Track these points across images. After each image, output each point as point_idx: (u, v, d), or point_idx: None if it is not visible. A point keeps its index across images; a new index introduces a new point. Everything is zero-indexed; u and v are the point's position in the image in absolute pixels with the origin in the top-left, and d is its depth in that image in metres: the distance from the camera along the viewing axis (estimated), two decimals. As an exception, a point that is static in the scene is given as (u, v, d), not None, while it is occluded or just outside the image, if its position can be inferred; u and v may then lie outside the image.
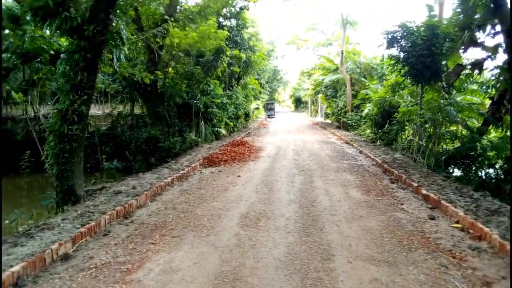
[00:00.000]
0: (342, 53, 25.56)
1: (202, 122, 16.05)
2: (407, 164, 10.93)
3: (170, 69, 16.52)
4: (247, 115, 25.56)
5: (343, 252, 4.52)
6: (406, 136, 15.66)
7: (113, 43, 9.05)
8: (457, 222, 5.66)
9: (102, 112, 19.35)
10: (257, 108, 44.47)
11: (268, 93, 48.28)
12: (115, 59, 9.94)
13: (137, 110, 18.59)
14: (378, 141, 16.29)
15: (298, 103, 68.53)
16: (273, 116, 37.93)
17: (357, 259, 4.33)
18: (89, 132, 18.47)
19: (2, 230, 6.26)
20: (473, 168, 12.30)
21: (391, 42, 13.24)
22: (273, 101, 43.65)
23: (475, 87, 15.38)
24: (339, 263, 4.22)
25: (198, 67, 15.62)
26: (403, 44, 13.15)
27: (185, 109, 17.12)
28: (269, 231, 5.24)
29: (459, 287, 3.66)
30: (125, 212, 6.20)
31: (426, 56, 12.33)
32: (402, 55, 12.99)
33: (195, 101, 15.91)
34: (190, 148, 15.21)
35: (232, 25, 21.81)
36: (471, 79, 14.61)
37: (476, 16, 13.18)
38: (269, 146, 15.78)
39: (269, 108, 39.01)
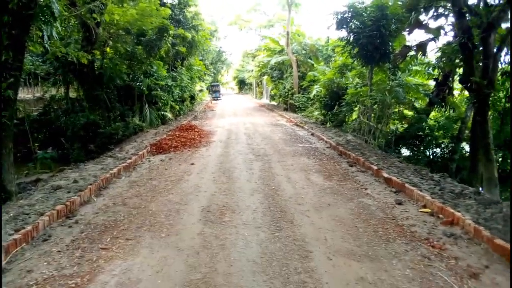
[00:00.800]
0: (288, 34, 25.31)
1: (147, 105, 15.02)
2: (360, 146, 10.92)
3: (108, 48, 15.20)
4: (192, 98, 24.60)
5: (320, 248, 4.17)
6: (355, 117, 15.83)
7: (43, 18, 7.93)
8: (424, 207, 5.55)
9: (32, 96, 17.46)
10: (201, 90, 43.31)
11: (212, 75, 47.14)
12: (45, 37, 8.72)
13: (72, 94, 17.01)
14: (328, 123, 16.32)
15: (242, 84, 68.03)
16: (218, 98, 37.13)
17: (337, 255, 3.99)
18: (18, 118, 16.72)
19: (2, 230, 5.36)
20: (421, 148, 12.68)
21: (341, 23, 13.09)
22: (218, 83, 42.71)
23: (418, 68, 15.84)
24: (319, 261, 3.85)
25: (140, 47, 14.48)
26: (353, 26, 13.05)
27: (126, 92, 15.91)
28: (237, 227, 4.75)
29: (448, 281, 3.44)
30: (67, 211, 5.38)
31: (375, 37, 12.32)
32: (352, 36, 12.87)
33: (137, 83, 14.78)
34: (135, 134, 14.20)
35: (174, 3, 20.58)
36: (416, 61, 14.98)
37: (420, -1, 13.38)
38: (219, 130, 15.18)
39: (214, 90, 38.12)
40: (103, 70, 14.43)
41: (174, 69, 21.39)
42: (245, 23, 46.95)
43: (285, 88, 25.83)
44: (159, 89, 16.05)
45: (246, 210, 5.37)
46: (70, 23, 14.07)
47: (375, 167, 7.80)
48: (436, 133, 12.33)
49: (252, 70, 48.72)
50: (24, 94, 16.70)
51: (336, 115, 16.31)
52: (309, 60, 25.30)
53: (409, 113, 14.37)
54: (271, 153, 9.90)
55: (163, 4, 17.60)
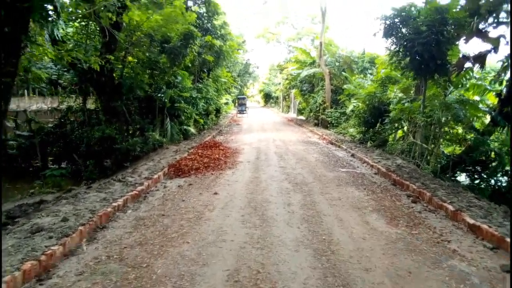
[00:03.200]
0: (321, 44, 23.68)
1: (168, 119, 13.65)
2: (416, 172, 9.09)
3: (130, 57, 14.01)
4: (218, 111, 23.23)
5: None
6: (400, 137, 13.95)
7: (43, 13, 6.63)
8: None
9: (48, 107, 16.47)
10: (227, 103, 42.11)
11: (239, 87, 46.00)
12: (48, 37, 7.45)
13: (90, 105, 15.88)
14: (368, 142, 14.49)
15: (268, 98, 66.67)
16: (244, 112, 35.69)
17: None
18: (31, 130, 15.65)
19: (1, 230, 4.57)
20: (484, 176, 10.70)
21: (389, 29, 11.39)
22: (245, 96, 41.35)
23: (474, 82, 13.88)
24: None
25: (163, 55, 13.19)
26: (404, 32, 11.35)
27: (148, 104, 14.65)
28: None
29: None
30: (40, 270, 3.87)
31: (432, 45, 10.57)
32: (403, 43, 11.14)
33: (159, 95, 13.45)
34: (153, 150, 12.82)
35: (201, 12, 19.42)
36: (472, 74, 13.06)
37: (481, 1, 11.61)
38: (246, 148, 13.60)
39: (240, 104, 36.71)
40: (123, 79, 13.23)
41: (200, 80, 20.11)
42: (272, 36, 45.95)
43: (316, 102, 24.11)
44: (182, 101, 14.68)
45: (292, 283, 3.67)
46: (89, 28, 13.01)
47: (451, 207, 5.99)
48: (504, 158, 10.32)
49: (280, 83, 47.38)
50: (39, 104, 15.70)
51: (377, 134, 14.48)
52: (342, 73, 23.57)
53: (469, 133, 12.37)
54: (310, 181, 8.19)
55: (187, 8, 16.41)
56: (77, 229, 4.77)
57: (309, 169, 9.52)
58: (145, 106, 14.82)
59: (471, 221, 5.36)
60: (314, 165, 10.13)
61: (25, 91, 22.17)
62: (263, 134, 19.15)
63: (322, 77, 24.33)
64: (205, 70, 20.44)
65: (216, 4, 19.76)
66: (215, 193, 7.11)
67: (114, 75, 13.18)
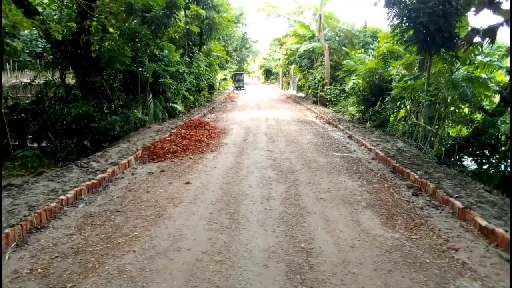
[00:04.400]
0: (320, 17, 22.28)
1: (151, 96, 12.60)
2: (418, 157, 8.16)
3: (111, 29, 12.86)
4: (211, 87, 22.06)
5: None
6: (402, 117, 12.95)
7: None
8: None
9: (21, 81, 15.36)
10: (225, 79, 40.79)
11: (236, 62, 44.53)
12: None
13: (71, 80, 14.81)
14: (368, 122, 13.49)
15: (268, 74, 65.11)
16: (242, 88, 34.45)
17: None
18: (8, 107, 14.62)
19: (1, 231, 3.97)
20: (493, 161, 9.76)
21: (392, -2, 10.27)
22: (242, 72, 39.95)
23: (481, 59, 12.81)
24: None
25: (145, 25, 12.02)
26: (408, 1, 10.24)
27: (133, 80, 13.60)
28: None
29: None
30: None
31: (439, 16, 9.49)
32: (408, 14, 10.02)
33: (140, 69, 12.38)
34: (135, 129, 11.88)
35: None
36: (481, 50, 11.96)
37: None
38: (236, 128, 12.64)
39: (237, 80, 35.40)
40: (101, 52, 12.14)
41: (191, 54, 18.93)
42: (273, 9, 44.15)
43: (315, 78, 22.92)
44: (168, 76, 13.60)
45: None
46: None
47: (458, 203, 5.07)
48: (517, 142, 9.34)
49: (279, 59, 45.91)
50: (13, 78, 14.66)
51: (378, 113, 13.46)
52: (343, 48, 22.31)
53: (477, 114, 11.35)
54: (298, 168, 7.26)
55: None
56: (3, 233, 3.89)
57: (299, 153, 8.58)
58: (130, 82, 13.79)
59: (483, 223, 4.45)
60: (306, 149, 9.19)
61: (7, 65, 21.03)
62: (257, 112, 18.14)
63: (322, 52, 23.08)
64: (196, 44, 19.23)
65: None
66: (187, 183, 6.20)
67: (92, 48, 12.11)
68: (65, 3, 12.05)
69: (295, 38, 28.92)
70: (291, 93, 34.50)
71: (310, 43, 24.75)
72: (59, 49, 11.57)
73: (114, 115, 12.67)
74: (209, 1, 17.77)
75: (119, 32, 12.51)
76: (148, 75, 12.39)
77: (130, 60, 12.87)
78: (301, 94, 30.58)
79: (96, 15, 11.66)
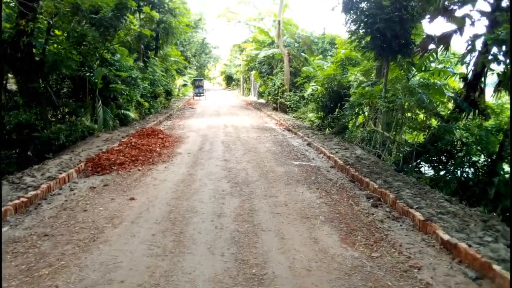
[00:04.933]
0: (279, 23, 22.17)
1: (100, 102, 11.80)
2: (376, 165, 8.00)
3: (57, 31, 12.00)
4: (168, 93, 21.29)
5: None
6: (361, 123, 12.92)
7: None
8: None
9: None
10: (184, 85, 39.95)
11: (196, 68, 43.80)
12: None
13: (14, 85, 13.70)
14: (327, 129, 13.36)
15: (230, 80, 64.64)
16: (202, 94, 33.77)
17: None
18: None
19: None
20: (450, 167, 9.82)
21: (349, 2, 10.18)
22: (202, 78, 39.27)
23: (436, 65, 13.09)
24: None
25: (93, 27, 11.26)
26: (365, 7, 10.19)
27: (82, 85, 12.71)
28: None
29: None
30: None
31: (395, 22, 9.48)
32: (364, 19, 9.95)
33: (87, 74, 11.59)
34: (83, 138, 11.05)
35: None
36: (435, 56, 12.19)
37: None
38: (192, 136, 12.09)
39: (197, 86, 34.67)
40: (45, 56, 11.26)
41: (146, 59, 18.19)
42: (233, 15, 43.90)
43: (274, 85, 22.76)
44: (119, 82, 12.84)
45: None
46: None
47: (419, 215, 4.85)
48: (472, 149, 9.43)
49: (240, 65, 45.64)
50: None
51: (337, 120, 13.37)
52: (302, 54, 22.34)
53: (432, 120, 11.46)
54: (254, 179, 6.86)
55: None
56: None
57: (257, 163, 8.19)
58: (79, 88, 12.88)
59: (445, 237, 4.22)
60: (264, 157, 8.82)
61: None
62: (216, 119, 17.65)
63: (281, 58, 22.99)
64: (151, 48, 18.51)
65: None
66: (131, 199, 5.62)
67: (34, 51, 11.20)
68: (4, 1, 11.06)
69: (255, 44, 28.75)
70: (252, 100, 34.26)
71: (269, 49, 24.63)
72: (-4, 52, 10.61)
73: (61, 123, 11.81)
74: (165, 5, 17.13)
75: (65, 34, 11.68)
76: (97, 80, 11.61)
77: (78, 65, 12.05)
78: (262, 101, 30.38)
79: (40, 16, 10.82)
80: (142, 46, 16.45)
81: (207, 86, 75.64)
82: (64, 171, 6.79)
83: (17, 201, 5.12)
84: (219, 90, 63.36)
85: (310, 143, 10.97)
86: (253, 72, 33.13)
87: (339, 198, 5.90)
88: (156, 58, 18.32)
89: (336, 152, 9.37)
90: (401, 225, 4.84)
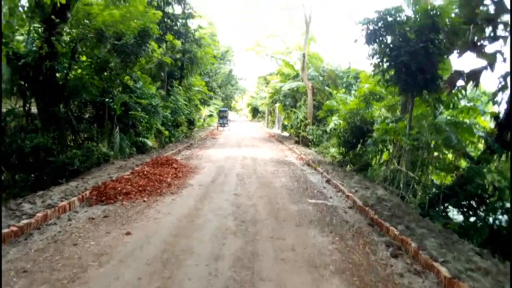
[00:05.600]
0: (304, 56, 22.11)
1: (117, 129, 11.74)
2: (399, 208, 7.37)
3: (83, 56, 12.21)
4: (191, 123, 21.34)
5: None
6: (384, 161, 12.27)
7: None
8: None
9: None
10: (210, 116, 40.25)
11: (221, 99, 44.23)
12: None
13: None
14: (348, 166, 12.77)
15: (256, 112, 64.96)
16: (226, 125, 33.85)
17: None
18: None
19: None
20: (481, 213, 9.01)
21: (373, 34, 9.82)
22: (226, 109, 39.51)
23: (465, 103, 12.46)
24: None
25: (115, 53, 11.38)
26: (389, 39, 9.82)
27: (104, 111, 12.75)
28: None
29: None
30: None
31: (421, 55, 9.04)
32: (388, 52, 9.56)
33: (107, 100, 11.61)
34: (98, 165, 10.92)
35: (174, 13, 17.73)
36: (464, 93, 11.56)
37: (478, 9, 10.25)
38: (208, 166, 11.76)
39: (221, 116, 34.85)
40: (68, 81, 11.40)
41: (170, 88, 18.33)
42: (262, 49, 44.59)
43: (297, 118, 22.43)
44: (139, 109, 12.82)
45: None
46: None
47: (444, 271, 4.23)
48: (505, 194, 8.62)
49: (265, 97, 45.87)
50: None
51: (359, 156, 12.78)
52: (326, 88, 22.05)
53: (462, 161, 10.72)
54: (263, 217, 6.37)
55: (159, 8, 14.69)
56: None
57: (269, 199, 7.71)
58: (101, 114, 12.93)
59: (476, 301, 3.60)
60: (278, 193, 8.33)
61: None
62: (236, 150, 17.35)
63: (305, 91, 22.76)
64: (176, 77, 18.69)
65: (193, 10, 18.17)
66: (128, 233, 5.24)
67: (58, 75, 11.37)
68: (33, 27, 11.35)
69: (280, 76, 28.77)
70: (276, 132, 34.02)
71: (294, 82, 24.51)
72: (20, 74, 10.85)
73: (79, 148, 11.77)
74: (190, 35, 17.36)
75: (89, 60, 11.82)
76: (115, 106, 11.60)
77: (100, 91, 12.14)
78: (286, 134, 30.06)
79: (64, 39, 11.02)
80: (165, 75, 16.58)
81: (233, 117, 76.43)
82: (66, 199, 6.53)
83: (6, 230, 4.83)
84: (245, 122, 63.72)
85: (329, 180, 10.41)
86: (277, 105, 33.05)
87: (354, 244, 5.31)
88: (180, 87, 18.42)
89: (356, 191, 8.78)
90: (423, 282, 4.22)
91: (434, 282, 4.22)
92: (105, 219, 5.92)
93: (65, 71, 11.36)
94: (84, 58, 12.24)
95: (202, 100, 27.03)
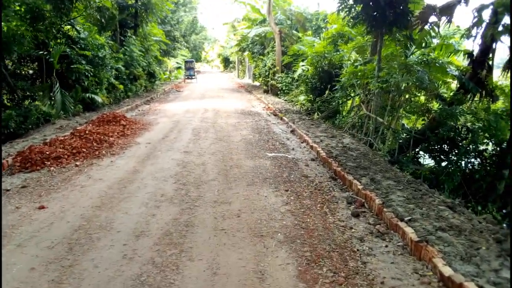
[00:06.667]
0: (270, -1, 20.56)
1: (58, 84, 10.43)
2: (365, 157, 6.73)
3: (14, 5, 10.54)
4: (151, 75, 19.87)
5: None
6: (353, 107, 11.55)
7: None
8: None
9: None
10: (178, 68, 38.31)
11: (189, 50, 42.03)
12: None
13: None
14: (316, 113, 12.01)
15: (227, 62, 62.76)
16: (193, 77, 32.25)
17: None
18: None
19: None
20: (453, 157, 8.51)
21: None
22: (193, 60, 37.56)
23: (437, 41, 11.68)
24: None
25: (45, -1, 9.81)
26: (355, -30, 8.75)
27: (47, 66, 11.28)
28: None
29: None
30: None
31: (389, -13, 8.08)
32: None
33: (40, 52, 10.21)
34: (38, 125, 9.77)
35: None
36: (438, 30, 10.73)
37: None
38: (163, 122, 10.77)
39: (188, 68, 33.09)
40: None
41: (124, 38, 16.71)
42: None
43: (265, 65, 21.27)
44: (83, 62, 11.44)
45: None
46: None
47: (411, 233, 3.57)
48: (478, 136, 8.08)
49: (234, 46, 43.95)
50: None
51: (327, 103, 12.00)
52: (295, 32, 20.78)
53: (422, 99, 10.07)
54: (211, 177, 5.55)
55: None
56: None
57: (223, 155, 6.88)
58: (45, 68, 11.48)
59: (446, 271, 2.95)
60: (235, 148, 7.51)
61: None
62: (199, 102, 16.27)
63: (273, 37, 21.43)
64: (129, 26, 17.01)
65: None
66: (41, 207, 4.34)
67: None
68: None
69: (247, 22, 27.11)
70: (246, 82, 32.79)
71: (261, 28, 23.04)
72: None
73: (18, 108, 10.49)
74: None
75: (17, 7, 10.21)
76: (52, 60, 10.23)
77: (35, 43, 10.65)
78: (257, 83, 28.90)
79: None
80: (114, 23, 14.93)
81: (205, 69, 73.87)
82: (-19, 168, 5.52)
83: None
84: (216, 73, 61.72)
85: (294, 129, 9.64)
86: (246, 53, 31.54)
87: (311, 204, 4.61)
88: (134, 37, 16.79)
89: (321, 140, 8.05)
90: (386, 246, 3.57)
91: (399, 245, 3.58)
92: (22, 190, 4.98)
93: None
94: (17, 7, 10.60)
95: (164, 52, 25.23)
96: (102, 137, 7.84)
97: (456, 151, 8.43)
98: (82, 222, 3.92)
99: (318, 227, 3.94)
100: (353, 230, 3.91)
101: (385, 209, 4.20)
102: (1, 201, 4.48)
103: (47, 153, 6.42)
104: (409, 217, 3.94)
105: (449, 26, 10.92)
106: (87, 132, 8.21)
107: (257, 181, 5.43)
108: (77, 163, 6.26)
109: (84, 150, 6.88)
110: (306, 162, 6.70)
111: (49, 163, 6.17)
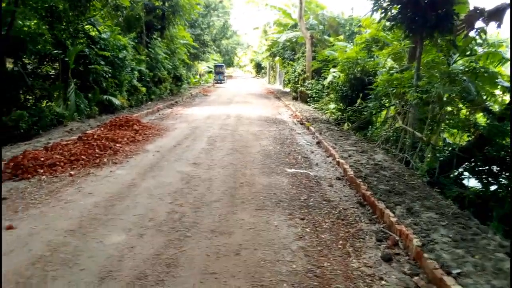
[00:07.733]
0: (301, 3, 19.66)
1: (72, 85, 10.01)
2: (401, 180, 5.73)
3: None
4: (178, 79, 19.44)
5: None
6: (387, 118, 10.48)
7: None
8: None
9: None
10: (209, 72, 38.07)
11: (222, 55, 41.75)
12: None
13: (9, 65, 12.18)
14: (346, 124, 11.01)
15: (259, 68, 62.30)
16: (222, 81, 31.93)
17: None
18: None
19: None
20: (504, 181, 7.34)
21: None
22: (223, 64, 37.27)
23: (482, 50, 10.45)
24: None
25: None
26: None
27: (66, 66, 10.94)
28: None
29: None
30: None
31: (431, -15, 7.07)
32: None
33: (56, 51, 9.83)
34: (52, 126, 9.40)
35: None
36: (485, 36, 9.51)
37: None
38: (181, 127, 10.12)
39: (217, 72, 32.85)
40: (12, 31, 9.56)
41: (149, 41, 16.34)
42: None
43: (295, 71, 20.40)
44: (102, 63, 11.02)
45: None
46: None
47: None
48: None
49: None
50: None
51: (358, 113, 10.98)
52: (327, 38, 19.80)
53: (480, 118, 8.93)
54: (214, 198, 4.74)
55: None
56: None
57: (235, 169, 6.08)
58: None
59: None
60: (250, 161, 6.69)
61: None
62: (223, 107, 15.61)
63: (304, 42, 20.55)
64: (156, 28, 16.63)
65: None
66: (9, 227, 3.68)
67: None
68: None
69: (278, 27, 26.39)
70: (277, 88, 32.03)
71: (291, 32, 22.22)
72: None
73: (33, 108, 10.16)
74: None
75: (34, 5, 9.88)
76: (68, 59, 9.82)
77: (53, 42, 10.32)
78: (287, 89, 28.07)
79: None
80: (139, 24, 14.55)
81: (238, 74, 73.74)
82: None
83: None
84: (248, 78, 61.43)
85: (320, 141, 8.74)
86: (277, 58, 30.78)
87: (331, 239, 3.72)
88: (159, 39, 16.38)
89: (349, 156, 7.12)
90: (428, 312, 2.63)
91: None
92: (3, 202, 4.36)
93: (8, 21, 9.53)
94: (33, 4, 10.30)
95: (193, 56, 24.84)
96: (108, 143, 7.23)
97: (508, 174, 7.26)
98: (45, 252, 3.21)
99: (338, 275, 3.05)
100: (383, 282, 3.00)
101: (425, 255, 3.25)
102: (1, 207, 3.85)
103: (42, 159, 5.84)
104: (458, 270, 2.99)
105: (498, 33, 9.75)
106: (95, 136, 7.65)
107: (269, 204, 4.58)
108: (72, 172, 5.63)
109: (84, 157, 6.27)
110: (330, 181, 5.79)
111: (42, 171, 5.58)
